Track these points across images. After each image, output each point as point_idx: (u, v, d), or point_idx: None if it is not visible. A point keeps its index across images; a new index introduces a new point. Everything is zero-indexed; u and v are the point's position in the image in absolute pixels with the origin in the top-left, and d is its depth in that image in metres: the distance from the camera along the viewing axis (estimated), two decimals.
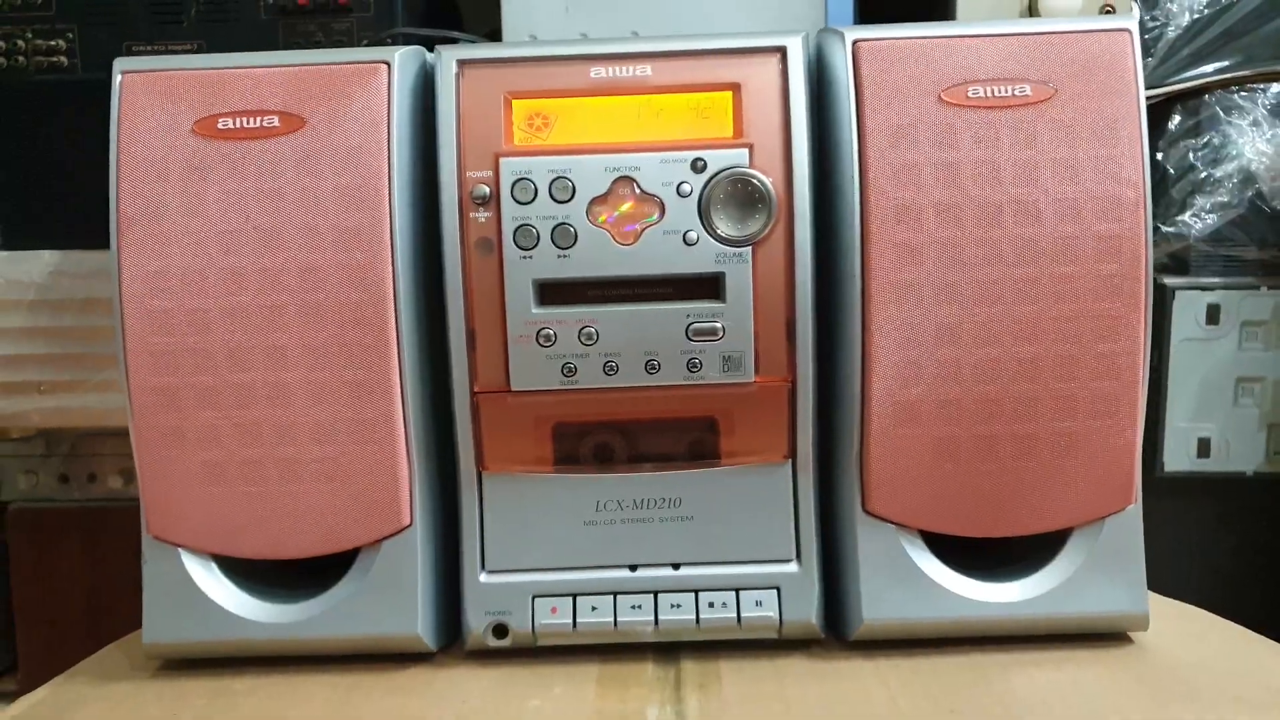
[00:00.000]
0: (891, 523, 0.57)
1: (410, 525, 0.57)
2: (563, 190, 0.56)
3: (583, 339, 0.57)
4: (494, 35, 0.83)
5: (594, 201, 0.56)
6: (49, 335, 0.83)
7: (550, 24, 0.78)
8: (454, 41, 0.81)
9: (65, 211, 0.82)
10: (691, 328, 0.56)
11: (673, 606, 0.58)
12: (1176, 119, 0.89)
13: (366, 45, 0.81)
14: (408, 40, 0.81)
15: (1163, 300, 0.88)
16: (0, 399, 0.84)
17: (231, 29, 0.82)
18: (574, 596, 0.58)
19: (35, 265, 0.83)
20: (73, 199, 0.82)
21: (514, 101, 0.57)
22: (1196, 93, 0.88)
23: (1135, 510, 0.58)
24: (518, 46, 0.59)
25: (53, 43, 0.83)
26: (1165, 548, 0.78)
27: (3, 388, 0.84)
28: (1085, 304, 0.55)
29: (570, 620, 0.58)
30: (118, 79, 0.57)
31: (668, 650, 0.60)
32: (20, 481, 0.93)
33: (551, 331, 0.56)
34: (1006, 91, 0.55)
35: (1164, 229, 0.88)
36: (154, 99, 0.56)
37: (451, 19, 0.98)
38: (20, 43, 0.83)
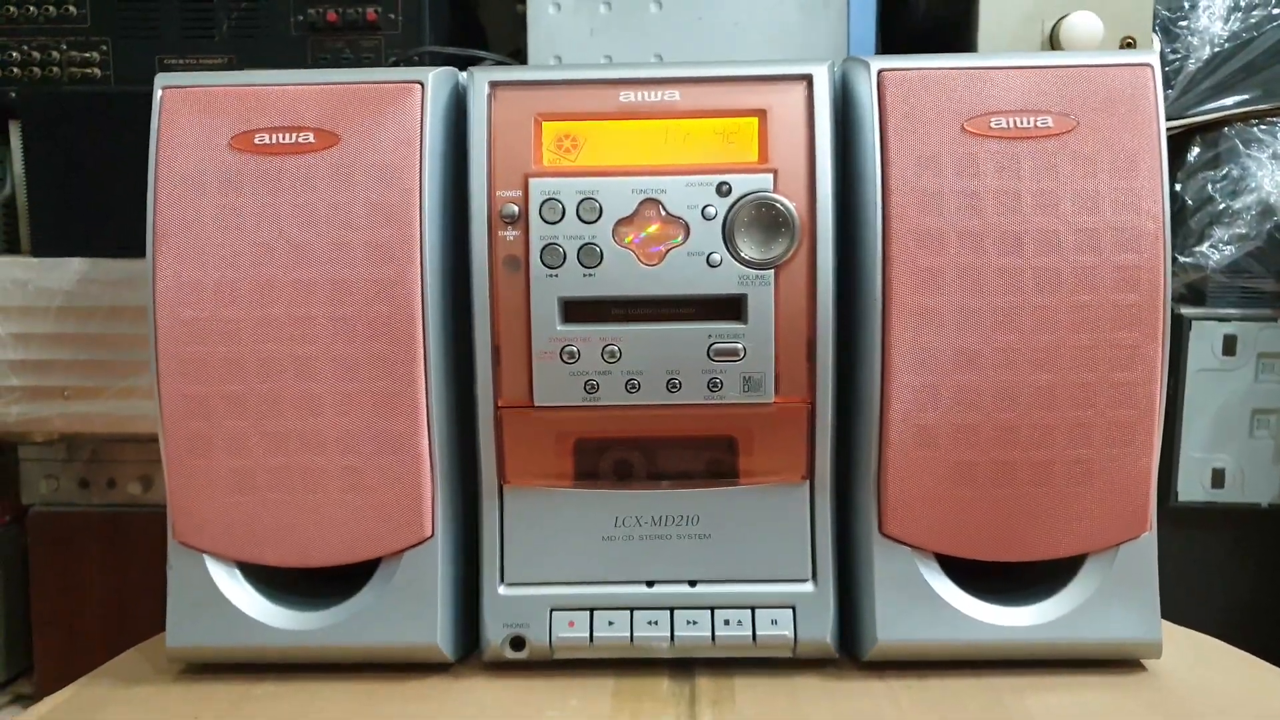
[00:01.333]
0: (907, 545, 0.58)
1: (432, 536, 0.58)
2: (590, 211, 0.57)
3: (606, 357, 0.57)
4: (518, 56, 0.84)
5: (620, 222, 0.57)
6: (75, 342, 0.84)
7: (575, 46, 0.79)
8: (480, 61, 0.83)
9: (95, 221, 0.83)
10: (713, 348, 0.57)
11: (689, 623, 0.59)
12: (1196, 151, 0.90)
13: (394, 63, 0.83)
14: (434, 59, 0.83)
15: (1179, 331, 0.88)
16: (25, 404, 0.85)
17: (262, 44, 0.83)
18: (591, 611, 0.59)
19: (64, 273, 0.84)
20: (102, 209, 0.83)
21: (544, 123, 0.58)
22: (1216, 125, 0.89)
23: (1150, 538, 0.58)
24: (549, 70, 0.60)
25: (87, 55, 0.84)
26: (1179, 578, 0.78)
27: (29, 392, 0.85)
28: (1103, 333, 0.56)
29: (587, 634, 0.59)
30: (158, 94, 0.58)
31: (683, 666, 0.60)
32: (41, 486, 0.94)
33: (575, 349, 0.57)
34: (1028, 123, 0.56)
35: (1182, 260, 0.89)
36: (193, 114, 0.58)
37: (477, 39, 1.00)
38: (55, 54, 0.84)
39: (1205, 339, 0.89)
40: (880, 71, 0.57)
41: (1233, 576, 0.92)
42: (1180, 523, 0.90)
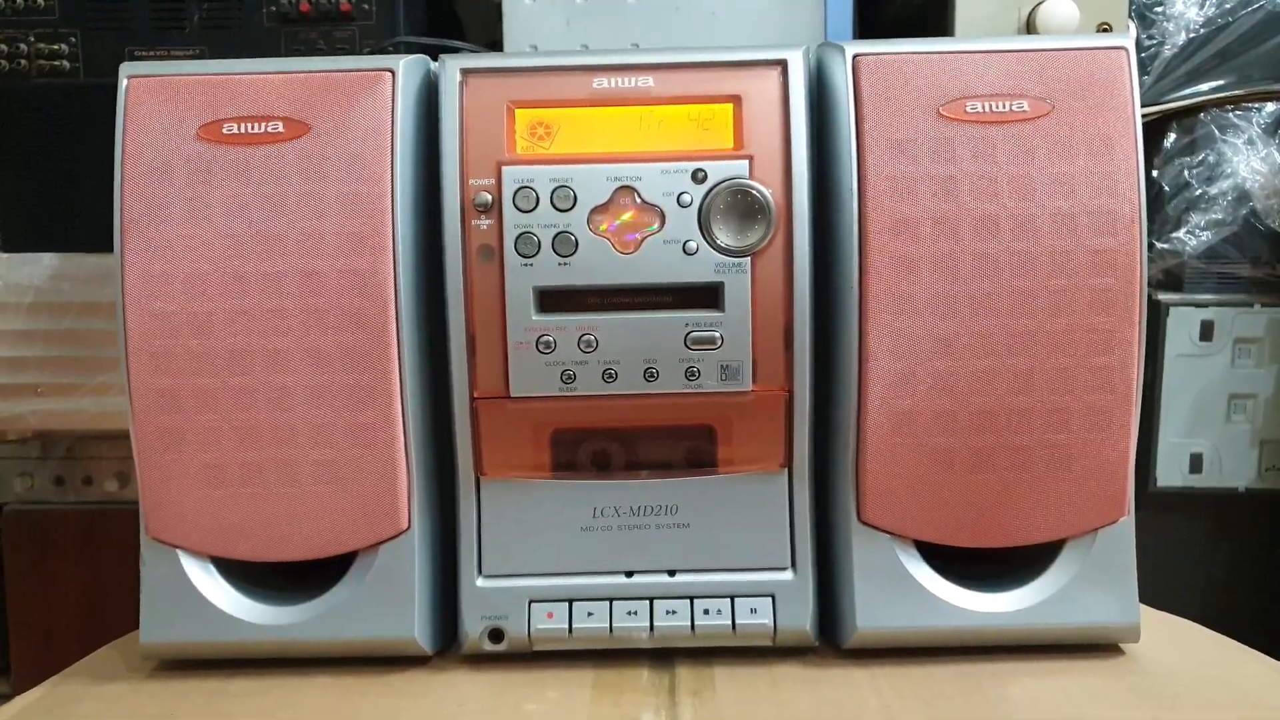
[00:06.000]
0: (886, 532, 0.58)
1: (408, 529, 0.58)
2: (564, 199, 0.56)
3: (582, 346, 0.57)
4: (495, 46, 0.83)
5: (595, 210, 0.56)
6: (48, 338, 0.84)
7: (552, 36, 0.79)
8: (456, 51, 0.82)
9: (66, 215, 0.82)
10: (690, 336, 0.57)
11: (668, 613, 0.58)
12: (1172, 137, 0.90)
13: (368, 53, 0.82)
14: (409, 49, 0.82)
15: (1157, 316, 0.88)
16: None
17: (234, 35, 0.82)
18: (570, 602, 0.59)
19: (35, 268, 0.83)
20: (73, 203, 0.82)
21: (517, 110, 0.57)
22: (1192, 111, 0.89)
23: (1128, 523, 0.58)
24: (521, 57, 0.59)
25: (55, 47, 0.83)
26: (1157, 562, 0.79)
27: (0, 390, 0.84)
28: (1080, 317, 0.55)
29: (566, 625, 0.58)
30: (124, 83, 0.57)
31: (663, 656, 0.60)
32: (16, 484, 0.93)
33: (551, 338, 0.57)
34: (1004, 107, 0.56)
35: (1159, 245, 0.89)
36: (159, 104, 0.57)
37: (453, 29, 0.99)
38: (23, 46, 0.83)
39: (1183, 324, 0.89)
40: (855, 56, 0.57)
41: (1210, 561, 0.92)
42: (1158, 507, 0.90)
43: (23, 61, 0.83)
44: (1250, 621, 0.88)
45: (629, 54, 0.58)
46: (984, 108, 0.56)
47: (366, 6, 0.82)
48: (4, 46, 0.83)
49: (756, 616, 0.58)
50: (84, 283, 0.83)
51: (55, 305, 0.83)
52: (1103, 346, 0.56)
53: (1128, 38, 0.57)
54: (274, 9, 0.82)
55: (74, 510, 0.92)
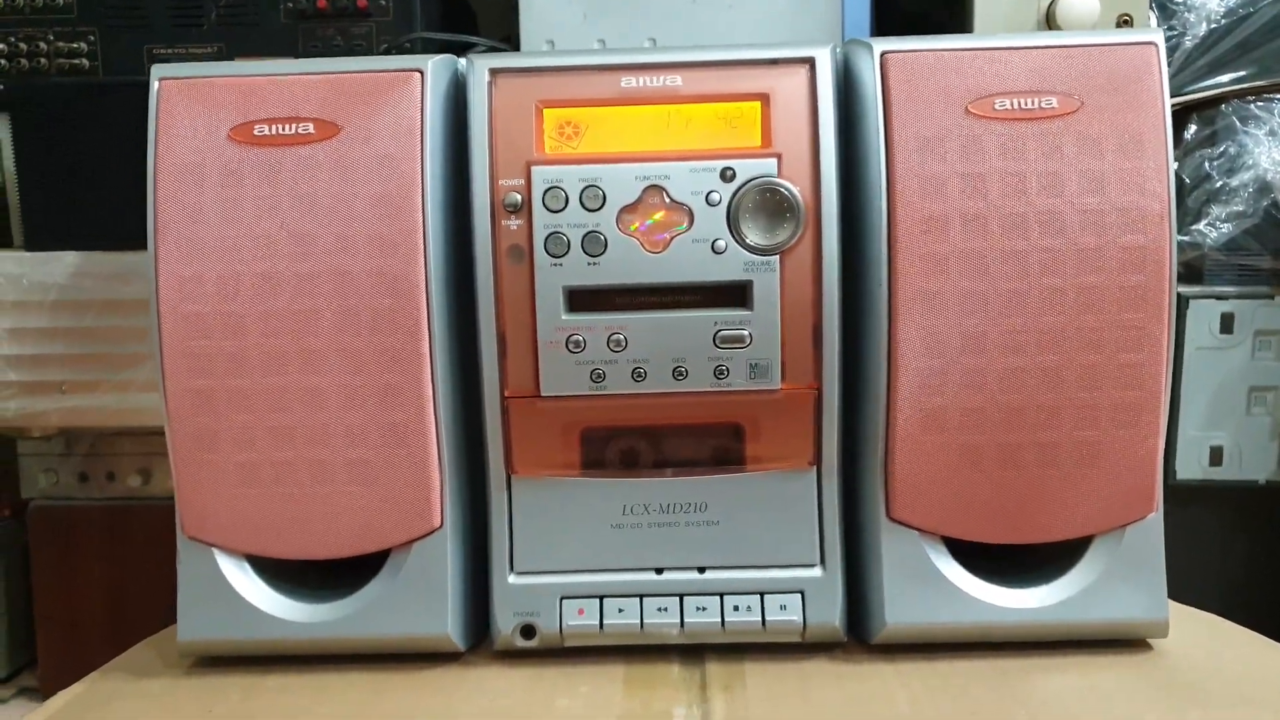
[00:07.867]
0: (915, 529, 0.58)
1: (441, 527, 0.58)
2: (593, 199, 0.56)
3: (611, 345, 0.57)
4: (510, 40, 0.83)
5: (624, 210, 0.57)
6: (70, 336, 0.84)
7: (568, 31, 0.79)
8: (473, 47, 0.82)
9: (87, 213, 0.83)
10: (719, 335, 0.57)
11: (698, 609, 0.59)
12: (1193, 128, 0.90)
13: (385, 50, 0.82)
14: (426, 45, 0.82)
15: (1177, 309, 0.88)
16: (22, 398, 0.84)
17: (251, 32, 0.82)
18: (601, 598, 0.59)
19: (58, 266, 0.83)
20: (95, 201, 0.82)
21: (545, 110, 0.57)
22: (1213, 102, 0.89)
23: (1156, 519, 0.58)
24: (549, 56, 0.59)
25: (74, 45, 0.83)
26: (1177, 555, 0.79)
27: (25, 387, 0.84)
28: (1109, 315, 0.56)
29: (597, 622, 0.59)
30: (155, 86, 0.58)
31: (693, 652, 0.60)
32: (40, 480, 0.93)
33: (581, 338, 0.57)
34: (1033, 104, 0.56)
35: (1179, 238, 0.89)
36: (191, 106, 0.57)
37: (468, 24, 0.99)
38: (42, 45, 0.83)
39: (1202, 317, 0.89)
40: (883, 54, 0.57)
41: (1231, 553, 0.92)
42: (1178, 500, 0.90)
43: (42, 60, 0.83)
44: (1271, 613, 0.89)
45: (657, 53, 0.58)
46: (1013, 105, 0.56)
47: (384, 2, 0.82)
48: (23, 45, 0.83)
49: (786, 613, 0.59)
50: (106, 280, 0.83)
51: (77, 303, 0.84)
52: (1132, 343, 0.56)
53: (1157, 33, 0.57)
54: (291, 5, 0.82)
55: (98, 506, 0.93)
